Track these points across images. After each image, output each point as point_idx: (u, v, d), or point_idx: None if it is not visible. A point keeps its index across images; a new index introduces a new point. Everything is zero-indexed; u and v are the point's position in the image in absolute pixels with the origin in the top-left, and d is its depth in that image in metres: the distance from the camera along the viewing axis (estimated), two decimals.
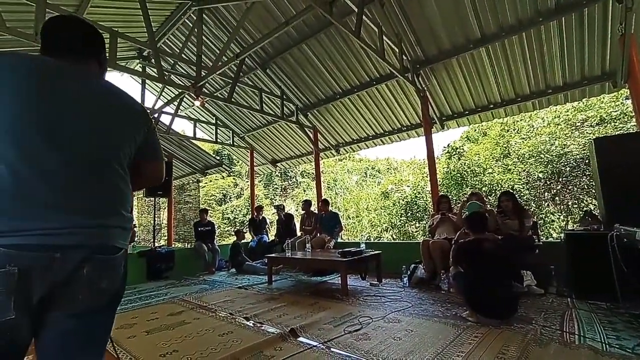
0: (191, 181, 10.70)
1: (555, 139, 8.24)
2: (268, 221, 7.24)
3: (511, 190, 4.16)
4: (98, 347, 0.88)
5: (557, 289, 3.18)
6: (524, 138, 9.26)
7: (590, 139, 4.70)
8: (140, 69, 6.40)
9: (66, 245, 0.75)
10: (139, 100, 5.45)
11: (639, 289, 2.38)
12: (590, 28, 3.63)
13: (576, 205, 7.57)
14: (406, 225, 10.59)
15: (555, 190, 7.92)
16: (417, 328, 2.34)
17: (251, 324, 2.62)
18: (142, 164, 1.03)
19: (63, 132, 0.79)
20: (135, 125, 0.97)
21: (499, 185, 8.43)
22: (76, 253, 0.77)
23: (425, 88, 4.98)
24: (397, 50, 4.51)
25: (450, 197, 5.50)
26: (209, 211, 7.49)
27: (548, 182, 8.02)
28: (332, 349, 2.02)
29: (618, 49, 3.44)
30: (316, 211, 6.06)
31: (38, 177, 0.75)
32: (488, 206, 4.02)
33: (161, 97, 6.90)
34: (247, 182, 13.92)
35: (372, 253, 4.06)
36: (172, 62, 6.32)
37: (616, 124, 7.43)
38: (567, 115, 8.43)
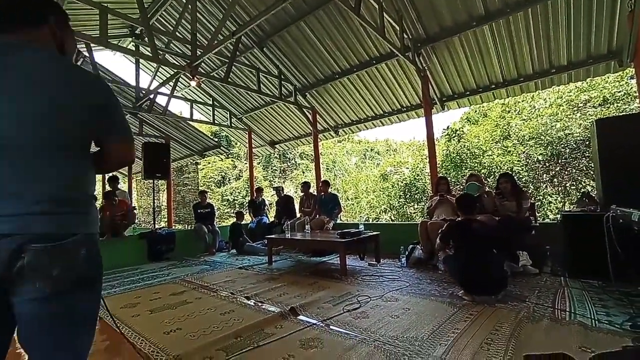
0: (189, 163, 10.65)
1: (557, 121, 8.17)
2: (267, 203, 7.29)
3: (510, 172, 4.17)
4: (78, 329, 0.85)
5: (552, 269, 3.25)
6: (524, 119, 9.18)
7: (592, 120, 4.66)
8: (133, 48, 6.21)
9: None
10: (133, 80, 5.22)
11: (632, 268, 2.44)
12: (599, 3, 3.50)
13: (574, 187, 7.62)
14: (404, 206, 10.69)
15: (554, 172, 7.94)
16: (414, 306, 2.40)
17: (252, 303, 2.69)
18: (106, 145, 0.95)
19: (2, 115, 0.75)
20: (93, 102, 0.87)
21: (498, 168, 8.44)
22: (8, 242, 0.72)
23: (426, 68, 4.87)
24: (397, 28, 4.36)
25: (449, 178, 5.51)
26: (208, 193, 7.52)
27: (547, 164, 8.03)
28: (331, 327, 2.08)
29: (626, 26, 3.34)
30: (315, 193, 6.09)
31: None
32: (487, 188, 4.03)
33: (156, 77, 6.73)
34: (246, 163, 13.89)
35: (371, 234, 4.11)
36: (166, 40, 6.13)
37: (619, 104, 7.35)
38: (570, 95, 8.32)
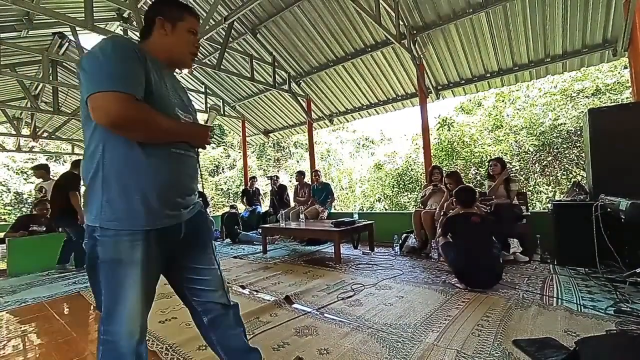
0: None
1: (550, 110, 8.22)
2: (261, 192, 7.26)
3: (500, 157, 4.20)
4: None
5: (541, 257, 3.33)
6: (518, 109, 9.21)
7: (584, 110, 4.69)
8: (121, 33, 6.00)
9: None
10: None
11: (617, 255, 2.51)
12: None
13: (565, 177, 7.73)
14: (398, 195, 10.76)
15: (545, 162, 8.03)
16: (408, 294, 2.44)
17: (247, 292, 2.71)
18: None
19: None
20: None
21: (490, 157, 8.49)
22: None
23: (422, 56, 4.81)
24: (393, 14, 4.29)
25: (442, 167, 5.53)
26: (202, 182, 7.42)
27: (539, 154, 8.11)
28: (325, 315, 2.11)
29: (622, 15, 3.33)
30: (309, 182, 6.08)
31: None
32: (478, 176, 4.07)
33: None
34: (240, 152, 13.76)
35: (365, 223, 4.14)
36: None
37: (611, 94, 7.41)
38: (564, 85, 8.35)
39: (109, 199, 0.90)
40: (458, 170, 4.12)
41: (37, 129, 8.15)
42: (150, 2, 1.05)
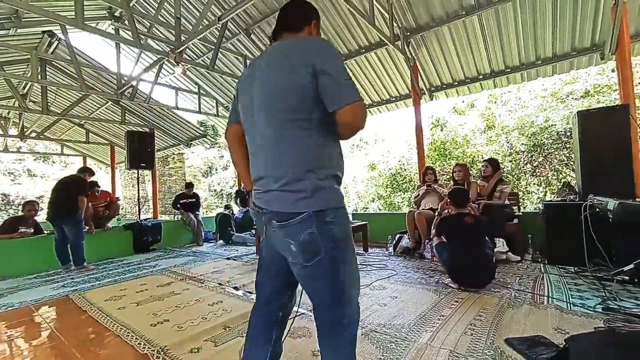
0: (175, 153, 10.42)
1: (541, 112, 8.37)
2: None
3: (494, 158, 4.27)
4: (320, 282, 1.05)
5: (532, 256, 3.38)
6: (510, 110, 9.35)
7: (573, 111, 4.77)
8: (113, 31, 5.93)
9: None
10: (114, 66, 4.95)
11: (605, 254, 2.56)
12: None
13: (555, 177, 7.86)
14: (392, 196, 10.81)
15: (536, 163, 8.16)
16: (401, 294, 2.45)
17: (240, 294, 2.69)
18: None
19: None
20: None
21: (482, 157, 8.60)
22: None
23: (415, 58, 4.85)
24: (387, 16, 4.31)
25: (435, 168, 5.59)
26: (195, 184, 7.36)
27: (530, 155, 8.23)
28: None
29: (610, 20, 3.40)
30: None
31: None
32: (471, 178, 4.11)
33: (139, 63, 6.46)
34: None
35: (359, 223, 4.15)
36: (149, 24, 5.87)
37: (599, 96, 7.57)
38: (554, 87, 8.50)
39: (331, 185, 1.01)
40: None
41: (25, 129, 7.99)
42: (309, 5, 1.21)
